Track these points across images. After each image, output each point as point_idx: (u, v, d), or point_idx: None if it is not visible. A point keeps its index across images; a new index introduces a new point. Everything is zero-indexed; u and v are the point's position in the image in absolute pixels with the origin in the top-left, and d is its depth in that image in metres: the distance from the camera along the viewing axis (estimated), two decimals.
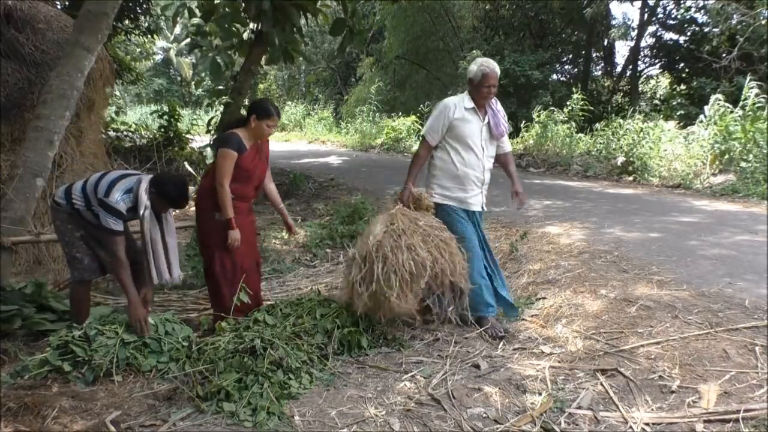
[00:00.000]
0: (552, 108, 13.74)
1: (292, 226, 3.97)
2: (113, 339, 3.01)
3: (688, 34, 15.77)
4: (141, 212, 3.21)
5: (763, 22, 11.76)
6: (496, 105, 3.67)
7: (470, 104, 3.57)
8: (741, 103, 9.31)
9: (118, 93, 23.29)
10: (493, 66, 3.52)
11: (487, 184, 3.71)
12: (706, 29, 14.52)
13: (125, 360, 2.98)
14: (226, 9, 8.60)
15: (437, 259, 3.17)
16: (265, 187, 3.81)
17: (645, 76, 18.51)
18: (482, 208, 3.72)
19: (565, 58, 19.85)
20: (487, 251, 3.73)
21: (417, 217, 3.38)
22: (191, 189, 8.60)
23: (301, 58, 11.63)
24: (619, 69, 19.42)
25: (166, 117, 11.12)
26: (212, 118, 10.30)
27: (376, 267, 3.09)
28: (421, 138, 3.70)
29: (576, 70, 19.58)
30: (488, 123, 3.62)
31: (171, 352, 3.11)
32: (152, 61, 31.02)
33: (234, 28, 8.93)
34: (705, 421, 2.44)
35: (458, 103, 3.58)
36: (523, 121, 14.25)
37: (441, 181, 3.66)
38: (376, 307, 3.20)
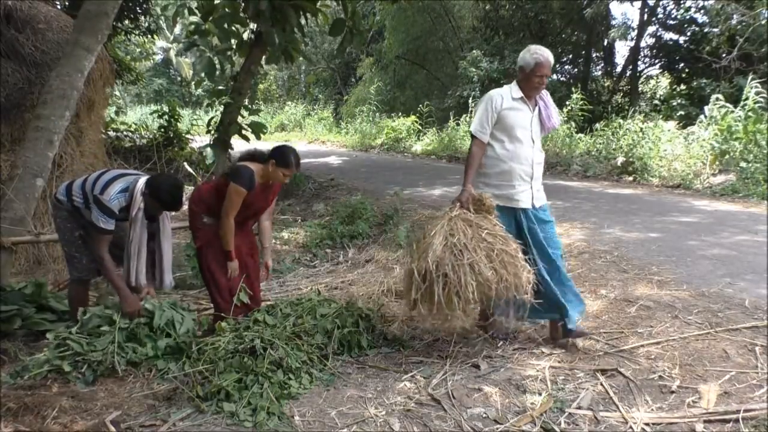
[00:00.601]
0: None
1: (269, 268, 3.81)
2: (111, 330, 3.00)
3: (688, 34, 15.76)
4: (133, 213, 3.19)
5: (763, 22, 11.76)
6: (547, 96, 3.40)
7: (518, 93, 3.30)
8: (742, 103, 9.31)
9: (118, 93, 23.30)
10: (548, 55, 3.24)
11: (539, 179, 3.37)
12: (706, 29, 14.50)
13: (125, 355, 2.97)
14: (226, 9, 8.60)
15: (502, 277, 2.93)
16: (260, 222, 3.74)
17: (645, 76, 18.50)
18: (533, 204, 3.33)
19: (565, 59, 19.82)
20: (538, 251, 3.29)
21: (480, 224, 3.09)
22: (191, 189, 8.56)
23: (301, 58, 11.64)
24: (619, 69, 19.39)
25: (166, 117, 11.11)
26: (212, 118, 10.28)
27: (437, 287, 2.88)
28: (470, 136, 3.39)
29: (576, 70, 19.56)
30: (539, 113, 3.35)
31: (168, 340, 3.08)
32: (152, 61, 30.98)
33: (234, 29, 8.94)
34: (705, 421, 2.44)
35: (504, 94, 3.31)
36: None
37: (486, 178, 3.35)
38: (440, 323, 3.10)
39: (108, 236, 3.18)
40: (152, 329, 3.15)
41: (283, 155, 3.40)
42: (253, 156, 3.54)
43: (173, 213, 3.61)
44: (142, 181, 3.23)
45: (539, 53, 3.22)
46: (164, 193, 3.18)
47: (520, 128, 3.28)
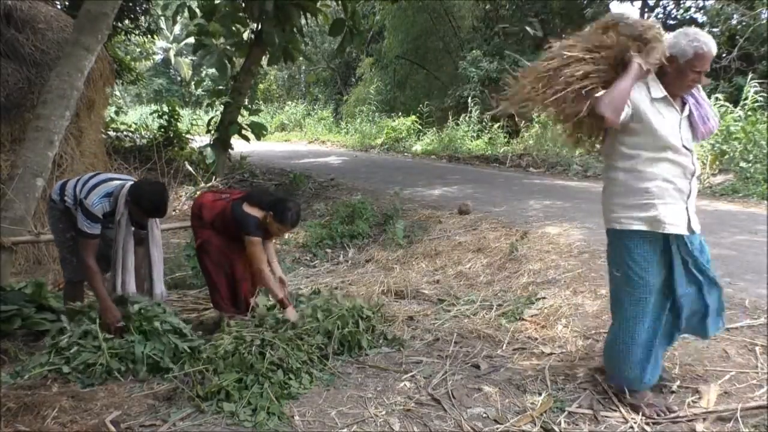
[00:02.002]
0: None
1: (284, 282, 3.70)
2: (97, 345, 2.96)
3: None
4: (116, 219, 3.15)
5: (763, 22, 11.77)
6: (699, 92, 2.62)
7: (661, 92, 2.50)
8: (741, 103, 9.31)
9: (118, 93, 23.31)
10: (712, 45, 2.44)
11: (695, 197, 2.61)
12: (706, 29, 14.51)
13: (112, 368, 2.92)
14: (227, 9, 8.62)
15: None
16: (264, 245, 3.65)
17: None
18: (690, 229, 2.55)
19: None
20: (704, 280, 2.64)
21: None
22: (191, 189, 8.54)
23: (301, 58, 11.65)
24: None
25: (166, 117, 11.14)
26: (212, 118, 10.30)
27: None
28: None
29: None
30: (689, 115, 2.57)
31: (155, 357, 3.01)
32: (152, 61, 31.03)
33: (234, 28, 8.95)
34: (705, 421, 2.44)
35: (640, 92, 2.51)
36: (523, 122, 14.26)
37: (624, 198, 2.55)
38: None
39: (94, 241, 3.12)
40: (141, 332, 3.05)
41: (281, 212, 3.38)
42: (260, 199, 3.52)
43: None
44: (128, 186, 3.18)
45: (702, 41, 2.42)
46: (145, 201, 3.11)
47: (667, 134, 2.50)
